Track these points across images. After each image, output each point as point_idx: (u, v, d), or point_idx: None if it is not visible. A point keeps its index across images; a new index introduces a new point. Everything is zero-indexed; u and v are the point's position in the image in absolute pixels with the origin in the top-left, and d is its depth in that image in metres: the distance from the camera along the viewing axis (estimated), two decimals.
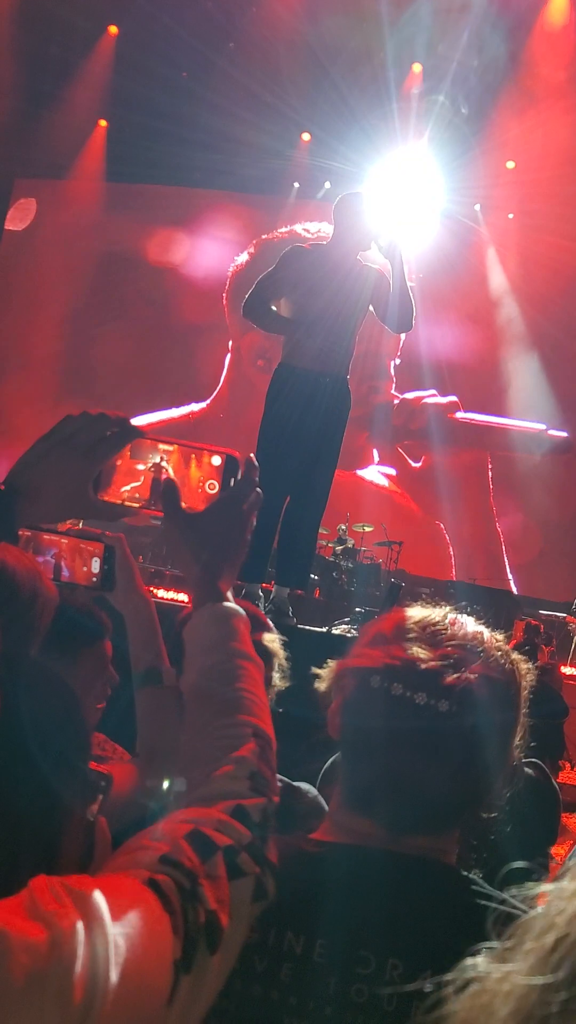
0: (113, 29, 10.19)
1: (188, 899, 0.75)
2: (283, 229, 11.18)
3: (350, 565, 7.85)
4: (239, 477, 1.12)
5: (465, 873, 1.06)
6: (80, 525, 1.93)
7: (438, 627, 1.11)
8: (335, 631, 4.37)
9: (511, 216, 10.67)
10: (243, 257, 11.42)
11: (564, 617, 8.07)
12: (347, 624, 4.47)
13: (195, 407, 11.46)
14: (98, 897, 0.69)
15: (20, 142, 10.54)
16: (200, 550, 1.07)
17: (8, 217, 11.72)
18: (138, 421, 1.12)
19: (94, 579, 1.70)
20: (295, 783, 1.99)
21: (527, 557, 9.88)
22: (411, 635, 1.09)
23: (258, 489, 1.12)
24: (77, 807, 1.09)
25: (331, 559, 7.86)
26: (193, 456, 1.14)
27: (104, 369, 10.99)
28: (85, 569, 1.70)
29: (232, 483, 1.12)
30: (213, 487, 1.12)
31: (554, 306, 10.28)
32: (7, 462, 1.09)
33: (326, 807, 1.93)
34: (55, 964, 0.63)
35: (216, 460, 1.13)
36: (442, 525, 10.49)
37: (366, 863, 1.05)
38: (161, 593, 6.69)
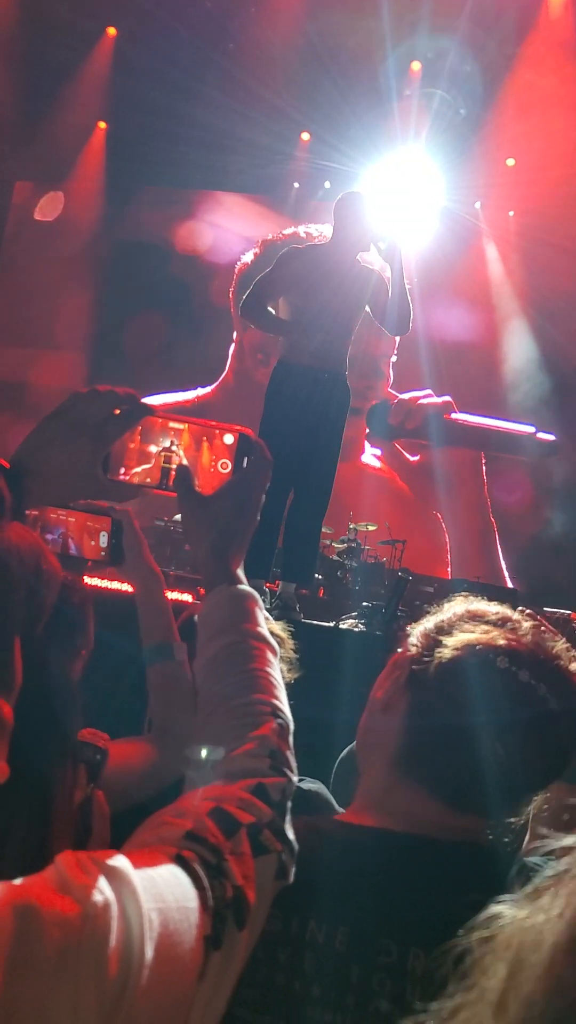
0: (112, 31, 10.19)
1: (215, 875, 0.75)
2: (288, 230, 11.23)
3: (354, 564, 7.83)
4: (251, 455, 1.11)
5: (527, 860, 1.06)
6: None
7: (537, 626, 1.14)
8: (342, 626, 4.36)
9: (512, 214, 10.68)
10: (248, 256, 11.50)
11: (569, 615, 8.04)
12: (354, 619, 4.46)
13: (201, 391, 11.57)
14: (129, 871, 0.68)
15: (20, 145, 10.54)
16: (212, 532, 1.06)
17: (38, 208, 11.77)
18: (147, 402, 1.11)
19: (102, 554, 1.71)
20: (303, 783, 1.97)
21: (533, 555, 9.91)
22: (523, 625, 1.11)
23: (269, 469, 1.11)
24: (70, 779, 1.09)
25: (335, 558, 7.84)
26: (204, 435, 1.13)
27: (131, 352, 11.06)
28: (93, 544, 1.71)
29: (245, 462, 1.11)
30: (226, 466, 1.11)
31: (554, 304, 10.28)
32: None
33: (336, 805, 1.92)
34: (89, 938, 0.62)
35: (228, 438, 1.12)
36: (439, 515, 10.70)
37: (406, 850, 1.04)
38: None
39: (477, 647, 1.08)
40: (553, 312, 10.25)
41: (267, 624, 2.11)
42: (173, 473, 1.11)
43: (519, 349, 10.54)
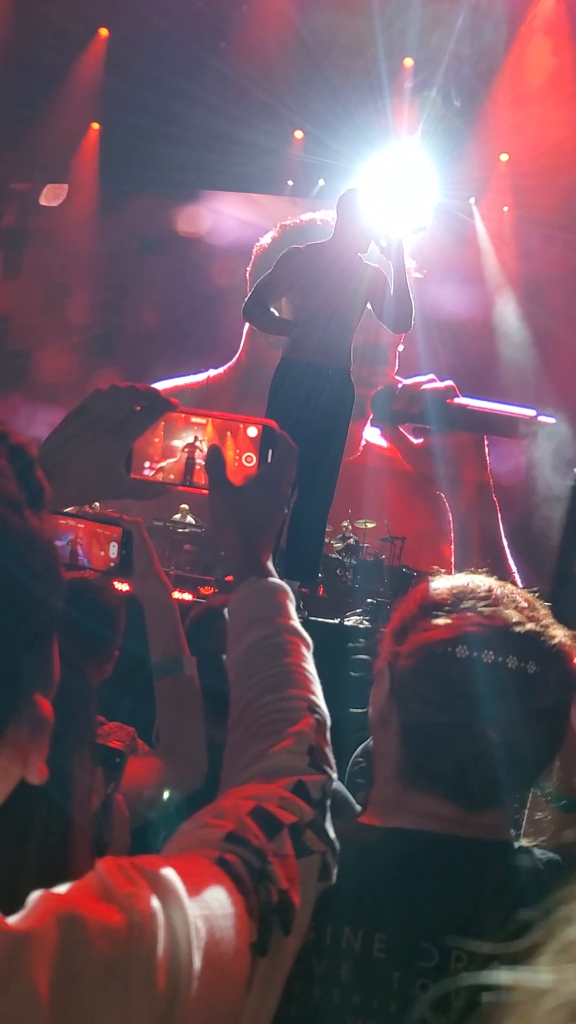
0: (104, 31, 10.16)
1: (259, 879, 0.73)
2: (306, 216, 11.20)
3: (353, 562, 7.82)
4: (276, 447, 1.10)
5: (542, 852, 1.04)
6: (96, 507, 1.91)
7: (497, 595, 1.09)
8: (347, 622, 4.35)
9: (506, 209, 10.67)
10: (266, 239, 11.49)
11: None
12: (359, 615, 4.45)
13: (213, 372, 11.53)
14: (173, 877, 0.66)
15: (13, 148, 10.51)
16: (242, 523, 1.04)
17: (43, 195, 11.77)
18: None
19: (112, 564, 1.68)
20: None
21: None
22: (480, 602, 1.07)
23: (295, 461, 1.10)
24: (91, 782, 1.07)
25: (334, 556, 7.83)
26: (228, 429, 1.11)
27: (138, 337, 11.04)
28: (103, 554, 1.68)
29: (269, 454, 1.10)
30: (251, 460, 1.10)
31: (549, 297, 10.28)
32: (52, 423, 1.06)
33: (354, 801, 1.90)
34: (136, 949, 0.60)
35: (252, 431, 1.11)
36: (442, 494, 10.71)
37: (432, 849, 1.01)
38: None
39: (429, 644, 1.05)
40: (548, 303, 10.25)
41: None
42: (198, 468, 1.09)
43: (516, 340, 10.57)
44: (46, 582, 0.63)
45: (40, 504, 0.64)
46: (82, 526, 1.66)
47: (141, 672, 1.90)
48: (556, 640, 1.05)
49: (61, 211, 11.63)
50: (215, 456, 1.05)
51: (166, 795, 1.68)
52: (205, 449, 1.09)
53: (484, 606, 1.06)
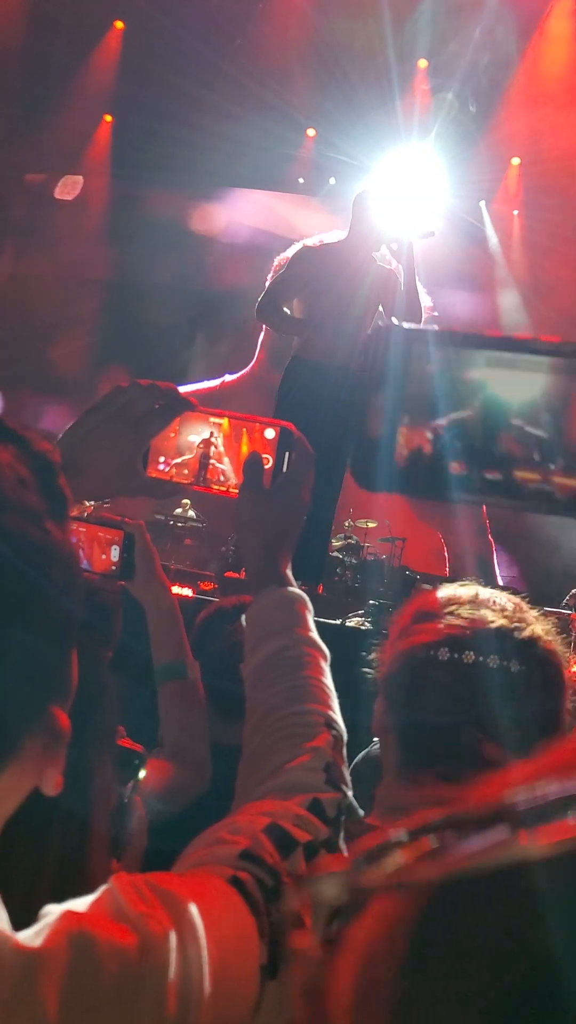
0: (119, 24, 10.14)
1: (271, 899, 0.72)
2: (327, 237, 11.14)
3: (354, 561, 7.80)
4: (293, 451, 1.09)
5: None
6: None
7: (481, 599, 1.11)
8: (349, 623, 4.35)
9: (516, 213, 10.66)
10: (290, 252, 11.41)
11: (569, 615, 8.00)
12: (360, 616, 4.45)
13: (229, 377, 11.49)
14: (187, 896, 0.65)
15: (26, 139, 10.50)
16: (266, 530, 1.04)
17: (57, 189, 11.74)
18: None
19: (113, 568, 1.66)
20: None
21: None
22: (463, 607, 1.09)
23: (313, 465, 1.09)
24: (110, 784, 1.07)
25: (333, 555, 7.81)
26: (245, 429, 1.11)
27: (149, 334, 11.00)
28: (104, 557, 1.66)
29: (287, 457, 1.09)
30: (267, 461, 1.09)
31: (557, 301, 10.27)
32: (61, 419, 1.05)
33: (359, 810, 1.91)
34: (148, 971, 0.59)
35: (270, 433, 1.10)
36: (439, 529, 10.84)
37: None
38: None
39: (412, 650, 1.07)
40: (558, 310, 10.24)
41: None
42: (211, 466, 1.09)
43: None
44: (66, 594, 0.62)
45: (62, 514, 0.64)
46: (83, 529, 1.64)
47: (148, 675, 1.89)
48: (533, 637, 1.07)
49: (73, 205, 11.60)
50: (255, 461, 1.05)
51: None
52: (220, 446, 1.09)
53: (466, 610, 1.09)
